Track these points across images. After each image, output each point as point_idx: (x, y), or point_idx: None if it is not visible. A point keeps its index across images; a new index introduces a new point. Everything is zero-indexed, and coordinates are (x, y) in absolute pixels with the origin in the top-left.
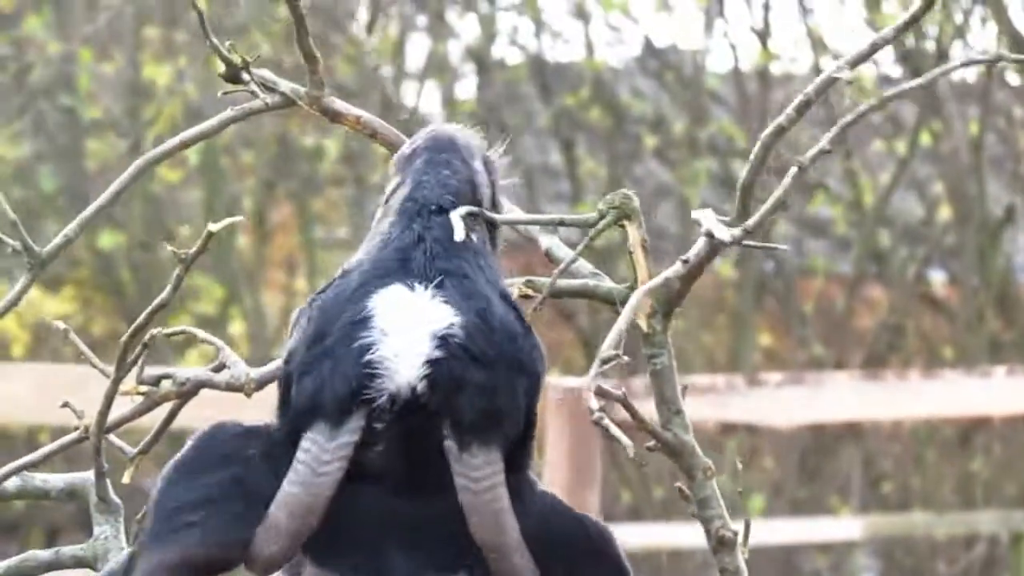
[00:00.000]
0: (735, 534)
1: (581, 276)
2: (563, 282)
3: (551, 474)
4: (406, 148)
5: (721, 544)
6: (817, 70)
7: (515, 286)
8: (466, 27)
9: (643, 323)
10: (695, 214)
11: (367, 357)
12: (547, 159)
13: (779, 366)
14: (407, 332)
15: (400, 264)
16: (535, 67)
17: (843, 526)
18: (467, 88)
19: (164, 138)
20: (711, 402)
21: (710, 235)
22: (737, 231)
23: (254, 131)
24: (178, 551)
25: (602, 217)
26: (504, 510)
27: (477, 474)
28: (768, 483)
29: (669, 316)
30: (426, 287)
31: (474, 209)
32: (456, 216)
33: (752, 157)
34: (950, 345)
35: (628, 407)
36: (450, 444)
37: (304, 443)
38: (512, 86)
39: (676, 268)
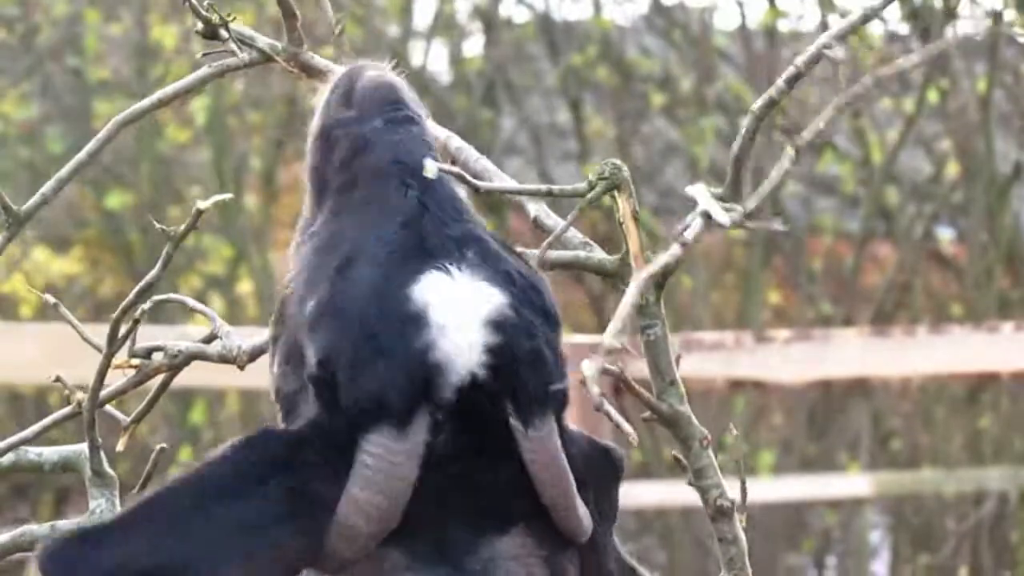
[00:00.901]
0: (732, 503)
1: (572, 247)
2: (553, 253)
3: None
4: (337, 99)
5: (720, 513)
6: (825, 27)
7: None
8: None
9: (635, 295)
10: (689, 190)
11: (430, 355)
12: (555, 118)
13: (787, 324)
14: (462, 322)
15: (417, 241)
16: (542, 26)
17: (852, 483)
18: (474, 47)
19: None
20: (720, 359)
21: (707, 216)
22: (736, 214)
23: (262, 91)
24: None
25: (592, 187)
26: (566, 471)
27: (542, 445)
28: (777, 440)
29: (662, 287)
30: (460, 268)
31: (463, 174)
32: (433, 168)
33: (743, 130)
34: (958, 302)
35: (626, 383)
36: (515, 423)
37: (369, 446)
38: (519, 45)
39: (674, 251)
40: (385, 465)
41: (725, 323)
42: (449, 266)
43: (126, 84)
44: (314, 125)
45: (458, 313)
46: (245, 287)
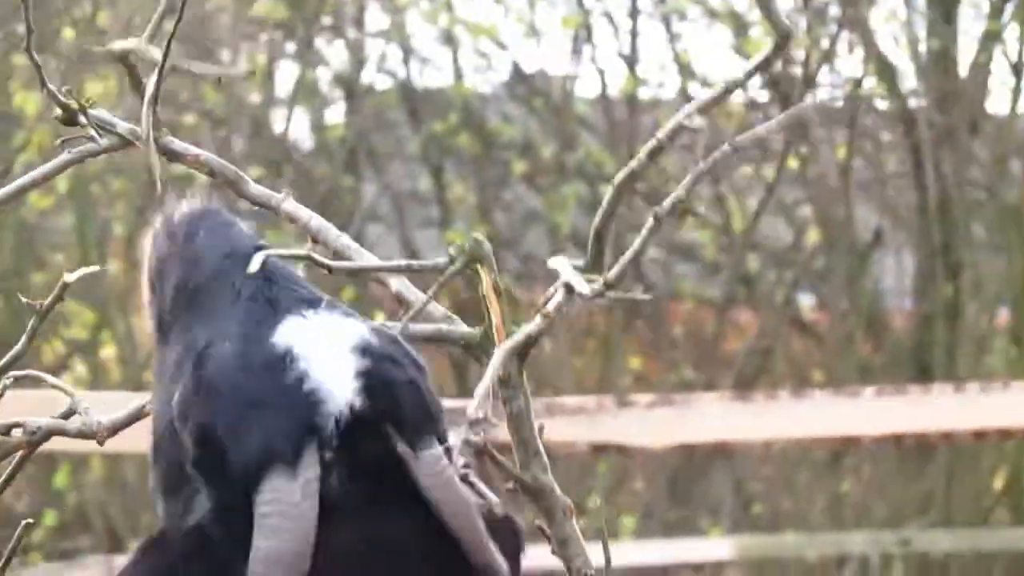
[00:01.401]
0: (595, 572)
1: (434, 319)
2: (416, 326)
3: None
4: (161, 240)
5: None
6: (685, 94)
7: (373, 328)
8: (334, 53)
9: (499, 367)
10: (551, 262)
11: (303, 388)
12: (416, 185)
13: (649, 389)
14: (328, 352)
15: (266, 305)
16: (404, 93)
17: (714, 547)
18: (336, 114)
19: (35, 164)
20: (582, 423)
21: (569, 288)
22: (597, 284)
23: (123, 159)
24: None
25: (452, 262)
26: (467, 498)
27: (436, 468)
28: (639, 504)
29: (524, 358)
30: (315, 311)
31: (313, 256)
32: (262, 256)
33: (604, 202)
34: (819, 368)
35: (489, 453)
36: (403, 447)
37: (265, 496)
38: (381, 112)
39: (537, 323)
40: (282, 507)
41: (587, 388)
42: (304, 312)
43: None
44: (145, 273)
45: (322, 346)
46: (109, 351)
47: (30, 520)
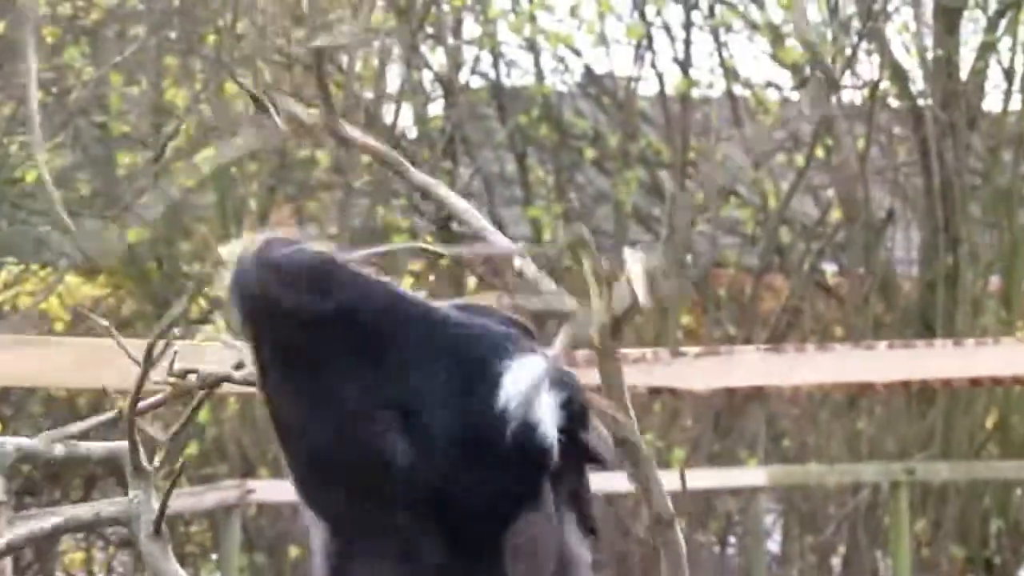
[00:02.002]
0: (672, 515)
1: (546, 294)
2: (529, 301)
3: None
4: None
5: (658, 521)
6: (730, 94)
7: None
8: (435, 57)
9: (596, 338)
10: (627, 255)
11: (535, 436)
12: (503, 168)
13: (697, 342)
14: (536, 398)
15: (471, 361)
16: (493, 91)
17: (750, 475)
18: (436, 108)
19: (183, 151)
20: (640, 370)
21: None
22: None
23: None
24: None
25: (561, 248)
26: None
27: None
28: (688, 439)
29: (618, 331)
30: (509, 356)
31: (427, 246)
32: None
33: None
34: (840, 325)
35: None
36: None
37: (518, 530)
38: (474, 107)
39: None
40: (533, 537)
41: (645, 341)
42: (502, 359)
43: (143, 137)
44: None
45: (532, 394)
46: None
47: (184, 463)
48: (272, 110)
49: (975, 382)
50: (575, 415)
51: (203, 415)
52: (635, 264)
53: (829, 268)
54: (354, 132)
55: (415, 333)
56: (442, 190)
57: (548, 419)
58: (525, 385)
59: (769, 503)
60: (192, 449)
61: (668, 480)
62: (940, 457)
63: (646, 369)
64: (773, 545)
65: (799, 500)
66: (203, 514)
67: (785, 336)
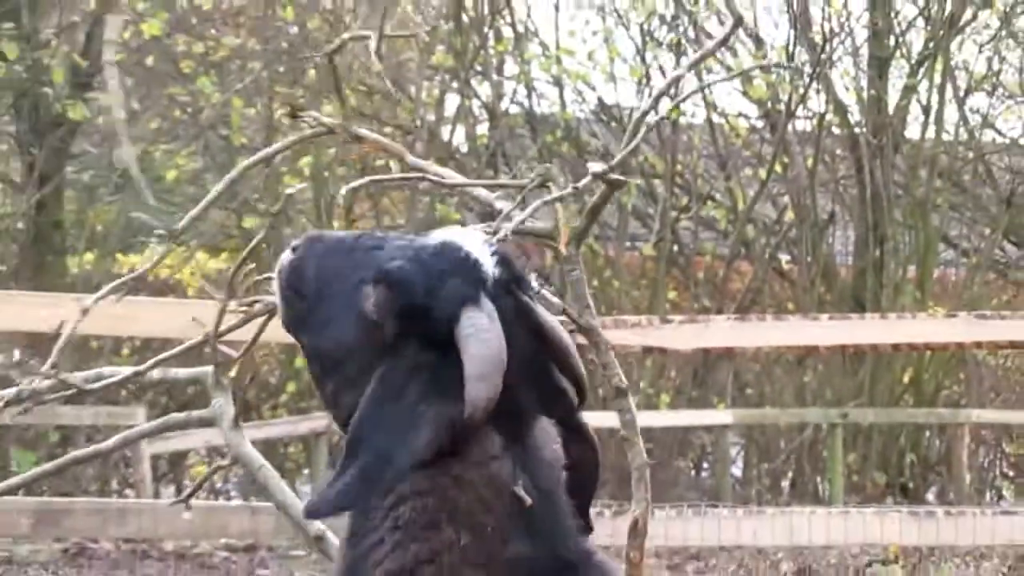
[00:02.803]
0: (627, 385)
1: (519, 222)
2: (507, 224)
3: None
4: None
5: (618, 392)
6: (710, 122)
7: (480, 230)
8: (483, 89)
9: (563, 248)
10: (589, 164)
11: (471, 260)
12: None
13: (680, 311)
14: (474, 243)
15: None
16: (527, 116)
17: (720, 416)
18: (482, 129)
19: (288, 158)
20: (636, 333)
21: (593, 173)
22: (604, 167)
23: (345, 153)
24: (433, 425)
25: (532, 181)
26: (567, 335)
27: (543, 310)
28: (672, 387)
29: (579, 243)
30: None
31: (429, 177)
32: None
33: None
34: (792, 301)
35: (551, 301)
36: (524, 297)
37: (465, 325)
38: (512, 128)
39: (568, 191)
40: (479, 329)
41: (641, 310)
42: (442, 234)
43: (257, 147)
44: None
45: (466, 238)
46: None
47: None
48: (304, 119)
49: (896, 347)
50: (507, 269)
51: (299, 361)
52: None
53: (784, 257)
54: (363, 131)
55: (386, 241)
56: (433, 167)
57: (477, 248)
58: (460, 233)
59: (734, 438)
60: (291, 387)
61: (656, 418)
62: (867, 404)
63: (641, 332)
64: (736, 470)
65: (758, 436)
66: (298, 439)
67: (749, 309)
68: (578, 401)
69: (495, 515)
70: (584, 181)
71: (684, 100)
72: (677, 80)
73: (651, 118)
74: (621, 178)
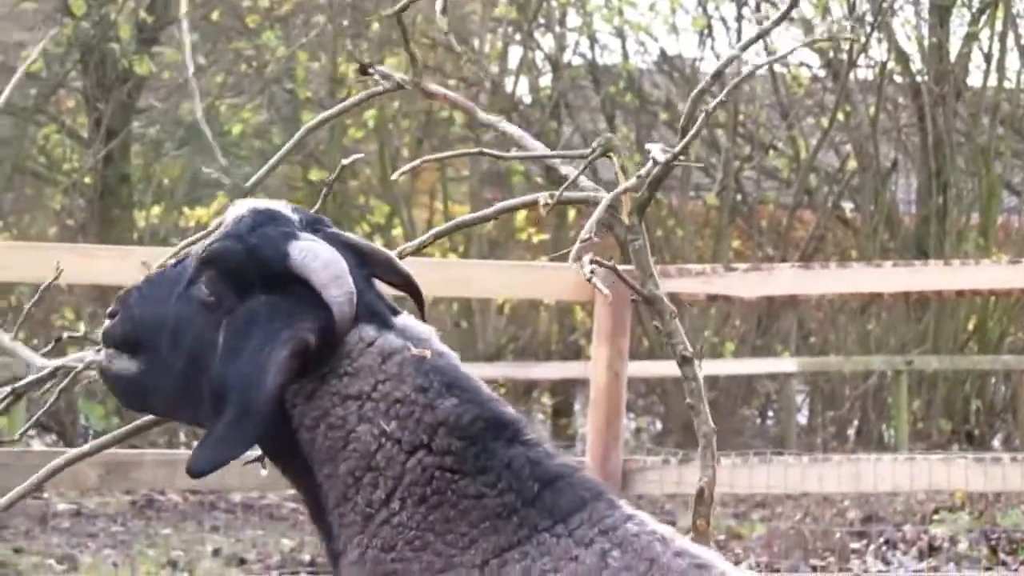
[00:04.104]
0: (692, 353)
1: (585, 190)
2: (572, 194)
3: (599, 326)
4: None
5: (684, 360)
6: (772, 71)
7: (542, 196)
8: (546, 41)
9: (625, 218)
10: (648, 146)
11: (272, 210)
12: (596, 128)
13: (744, 260)
14: (269, 202)
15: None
16: (590, 67)
17: (784, 364)
18: (545, 80)
19: (354, 112)
20: (702, 282)
21: (654, 159)
22: (668, 154)
23: (408, 107)
24: (286, 346)
25: (594, 151)
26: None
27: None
28: (737, 336)
29: (642, 213)
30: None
31: (487, 151)
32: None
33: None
34: (855, 249)
35: (617, 272)
36: (329, 229)
37: (295, 253)
38: (575, 79)
39: (633, 182)
40: (310, 247)
41: (705, 259)
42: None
43: (322, 101)
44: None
45: (261, 201)
46: (397, 232)
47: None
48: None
49: (959, 293)
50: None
51: None
52: (654, 148)
53: (847, 205)
54: (434, 87)
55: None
56: (503, 124)
57: (269, 204)
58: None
59: (799, 385)
60: None
61: (721, 367)
62: (932, 352)
63: (706, 280)
64: (802, 418)
65: (822, 383)
66: None
67: (812, 257)
68: (418, 303)
69: (408, 382)
70: (647, 168)
71: (746, 78)
72: (731, 60)
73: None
74: (684, 162)
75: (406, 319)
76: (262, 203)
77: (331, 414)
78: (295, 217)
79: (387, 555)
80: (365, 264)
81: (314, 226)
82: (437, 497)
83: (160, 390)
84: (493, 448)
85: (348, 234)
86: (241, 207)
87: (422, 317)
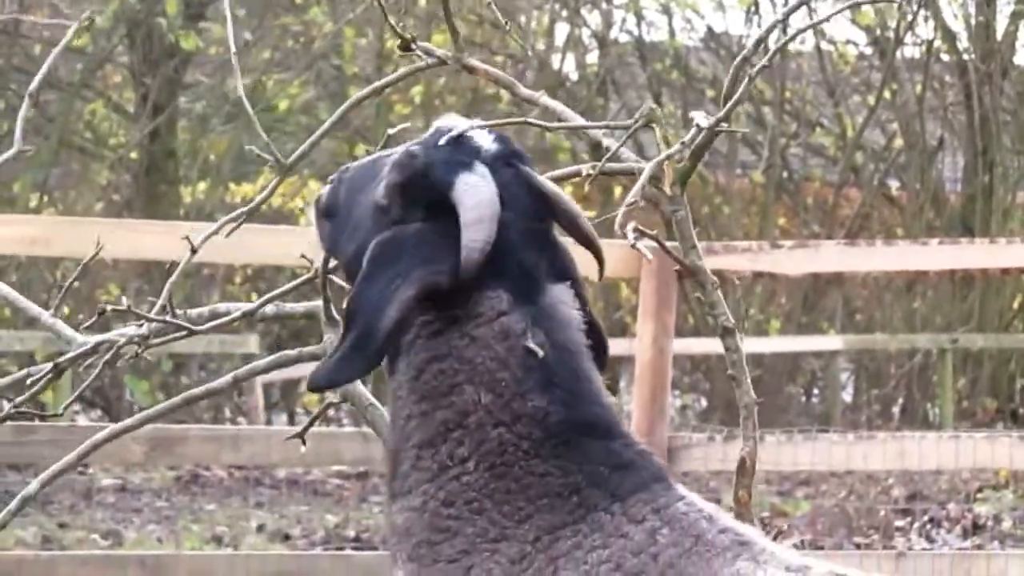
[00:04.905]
0: (734, 324)
1: (627, 160)
2: (613, 165)
3: (644, 302)
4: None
5: (725, 331)
6: (818, 49)
7: (584, 168)
8: (592, 18)
9: (667, 189)
10: (692, 114)
11: (471, 143)
12: (642, 104)
13: (790, 237)
14: (471, 126)
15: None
16: (636, 44)
17: (830, 341)
18: (592, 57)
19: (400, 88)
20: (748, 258)
21: (697, 125)
22: (711, 120)
23: (455, 83)
24: (414, 285)
25: (636, 122)
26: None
27: (540, 175)
28: (782, 313)
29: (684, 184)
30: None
31: (530, 120)
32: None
33: (724, 88)
34: (900, 227)
35: (659, 243)
36: (527, 169)
37: (459, 186)
38: (622, 56)
39: (677, 148)
40: (472, 187)
41: (751, 236)
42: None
43: (369, 77)
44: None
45: (466, 123)
46: None
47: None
48: (416, 50)
49: (1005, 271)
50: (506, 144)
51: None
52: (698, 115)
53: (893, 183)
54: (475, 63)
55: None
56: (544, 99)
57: (472, 127)
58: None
59: (844, 363)
60: None
61: (766, 344)
62: (977, 330)
63: (751, 257)
64: (846, 396)
65: (867, 361)
66: None
67: (858, 235)
68: (598, 265)
69: (510, 370)
70: (691, 135)
71: (791, 40)
72: (775, 26)
73: (756, 63)
74: (728, 128)
75: (561, 295)
76: (462, 122)
77: (445, 362)
78: (488, 146)
79: (446, 510)
80: (547, 213)
81: (507, 160)
82: (504, 468)
83: (345, 248)
84: (574, 441)
85: (542, 178)
86: (447, 120)
87: (600, 278)
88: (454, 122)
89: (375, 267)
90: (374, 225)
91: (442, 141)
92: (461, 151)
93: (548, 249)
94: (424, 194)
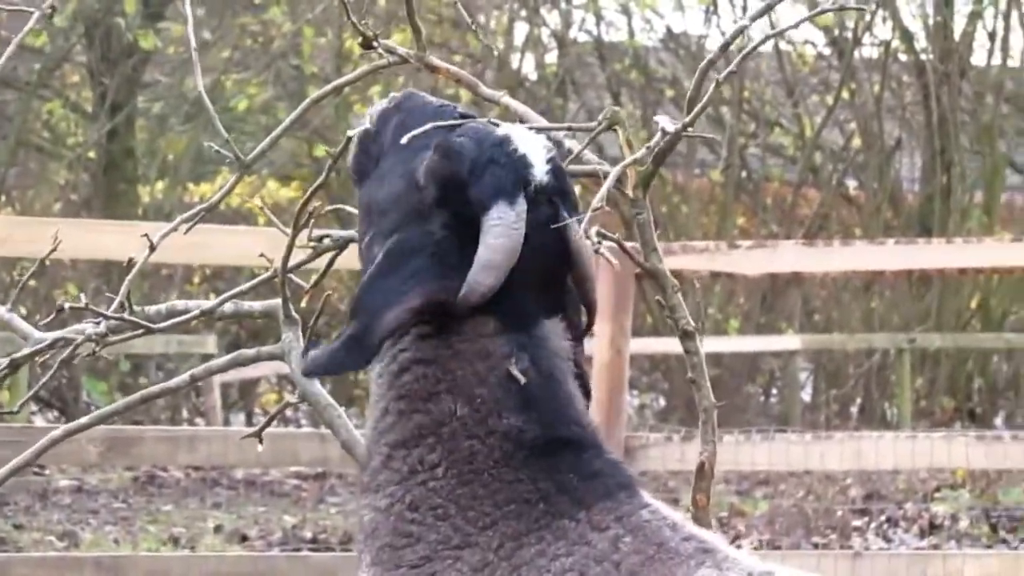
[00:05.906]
0: (695, 327)
1: (590, 163)
2: (577, 167)
3: (602, 303)
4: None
5: (685, 335)
6: (777, 49)
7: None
8: (552, 18)
9: (630, 192)
10: (656, 118)
11: (521, 157)
12: (602, 104)
13: (749, 237)
14: (533, 144)
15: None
16: (596, 44)
17: (788, 341)
18: (551, 57)
19: (359, 87)
20: (706, 259)
21: (663, 130)
22: (677, 125)
23: (414, 82)
24: (419, 298)
25: (600, 124)
26: (592, 257)
27: (578, 232)
28: (741, 313)
29: (647, 187)
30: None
31: (494, 121)
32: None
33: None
34: (858, 227)
35: (620, 245)
36: (564, 213)
37: (493, 215)
38: (581, 56)
39: (642, 152)
40: (506, 223)
41: (709, 236)
42: (511, 128)
43: (328, 76)
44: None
45: (530, 140)
46: None
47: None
48: (378, 47)
49: (962, 271)
50: (558, 179)
51: None
52: (663, 119)
53: (851, 183)
54: (438, 62)
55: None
56: (505, 99)
57: (535, 150)
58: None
59: (803, 363)
60: None
61: (725, 344)
62: (934, 329)
63: (709, 257)
64: (805, 396)
65: (826, 361)
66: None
67: (816, 234)
68: (585, 328)
69: (488, 388)
70: (655, 139)
71: (754, 50)
72: (741, 31)
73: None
74: (693, 134)
75: (555, 328)
76: (530, 141)
77: (429, 367)
78: (540, 177)
79: (411, 514)
80: (565, 264)
81: (555, 197)
82: (472, 475)
83: (371, 185)
84: (548, 453)
85: (576, 227)
86: (514, 133)
87: (585, 331)
88: (522, 135)
89: (391, 264)
90: (404, 194)
91: (494, 141)
92: (510, 168)
93: (555, 290)
94: (459, 196)
